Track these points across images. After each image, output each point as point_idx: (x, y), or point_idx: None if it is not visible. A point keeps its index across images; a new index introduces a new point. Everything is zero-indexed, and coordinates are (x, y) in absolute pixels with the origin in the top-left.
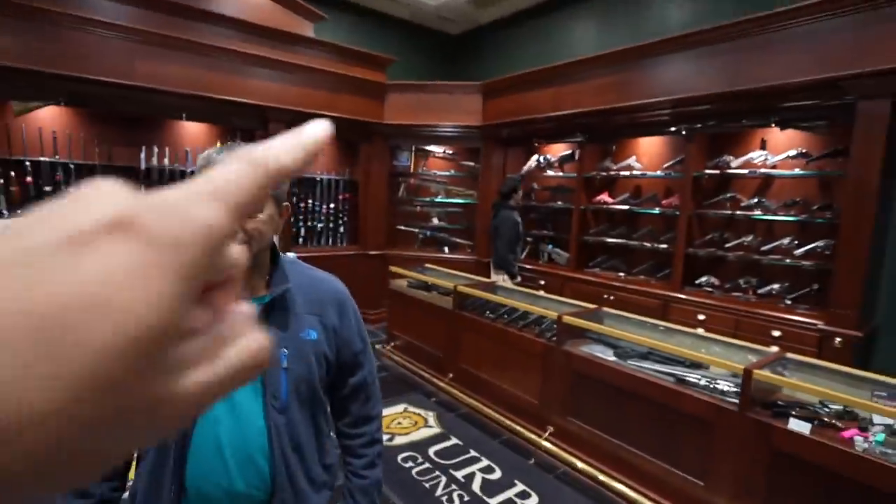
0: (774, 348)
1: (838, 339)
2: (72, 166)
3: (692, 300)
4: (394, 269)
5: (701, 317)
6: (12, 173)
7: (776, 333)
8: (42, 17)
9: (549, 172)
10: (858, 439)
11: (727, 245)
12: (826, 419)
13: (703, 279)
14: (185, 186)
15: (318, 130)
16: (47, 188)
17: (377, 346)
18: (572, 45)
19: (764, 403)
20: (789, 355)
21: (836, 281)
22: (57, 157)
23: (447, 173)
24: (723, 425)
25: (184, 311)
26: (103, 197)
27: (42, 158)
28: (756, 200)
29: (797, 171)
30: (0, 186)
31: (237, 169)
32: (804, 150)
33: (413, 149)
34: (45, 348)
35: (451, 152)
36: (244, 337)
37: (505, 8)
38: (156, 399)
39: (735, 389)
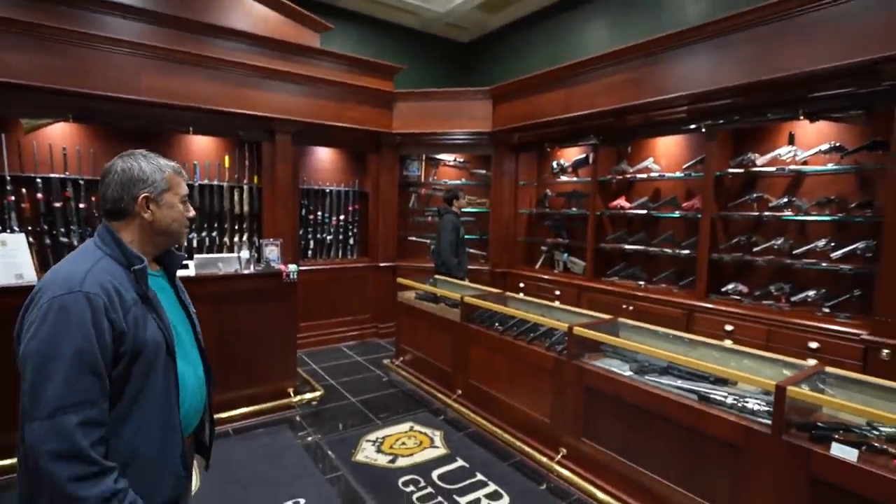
0: (812, 361)
1: (885, 351)
2: (81, 182)
3: (718, 309)
4: (401, 280)
5: (728, 327)
6: (24, 190)
7: (814, 345)
8: (49, 34)
9: (563, 178)
10: None
11: (755, 249)
12: (875, 443)
13: (730, 286)
14: None
15: None
16: (57, 204)
17: (385, 361)
18: (585, 46)
19: (801, 425)
20: (829, 369)
21: (880, 285)
22: (67, 173)
23: (458, 182)
24: (754, 450)
25: None
26: None
27: (52, 175)
28: (786, 200)
29: (831, 166)
30: (11, 203)
31: None
32: (837, 144)
33: (423, 158)
34: None
35: (462, 160)
36: None
37: (514, 12)
38: None
39: (767, 409)
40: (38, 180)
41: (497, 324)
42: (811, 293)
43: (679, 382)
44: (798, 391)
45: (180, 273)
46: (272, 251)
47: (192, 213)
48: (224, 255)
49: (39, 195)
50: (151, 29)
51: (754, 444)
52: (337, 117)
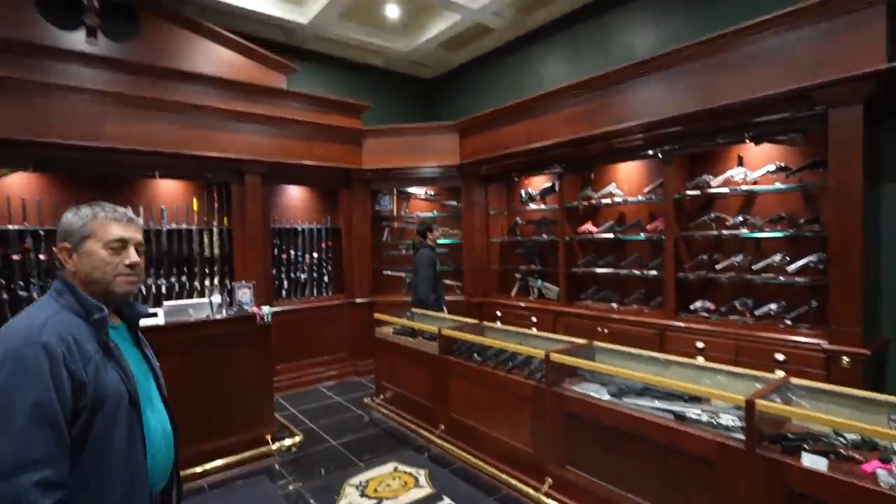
0: (780, 373)
1: (845, 359)
2: (42, 232)
3: (689, 327)
4: (378, 315)
5: (700, 344)
6: None
7: (780, 357)
8: (7, 85)
9: (532, 206)
10: (881, 473)
11: (718, 266)
12: (843, 451)
13: (698, 304)
14: None
15: None
16: (15, 256)
17: (365, 400)
18: (544, 79)
19: (772, 437)
20: (794, 381)
21: (832, 296)
22: (25, 223)
23: (431, 214)
24: (729, 465)
25: None
26: None
27: (10, 227)
28: (741, 218)
29: (778, 185)
30: None
31: None
32: (782, 164)
33: (394, 192)
34: None
35: (432, 193)
36: None
37: (475, 49)
38: None
39: (740, 424)
40: None
41: (476, 354)
42: (773, 306)
43: (656, 403)
44: (767, 404)
45: (148, 322)
46: (245, 294)
47: (130, 259)
48: (195, 300)
49: None
50: (114, 76)
51: (729, 458)
52: (306, 156)
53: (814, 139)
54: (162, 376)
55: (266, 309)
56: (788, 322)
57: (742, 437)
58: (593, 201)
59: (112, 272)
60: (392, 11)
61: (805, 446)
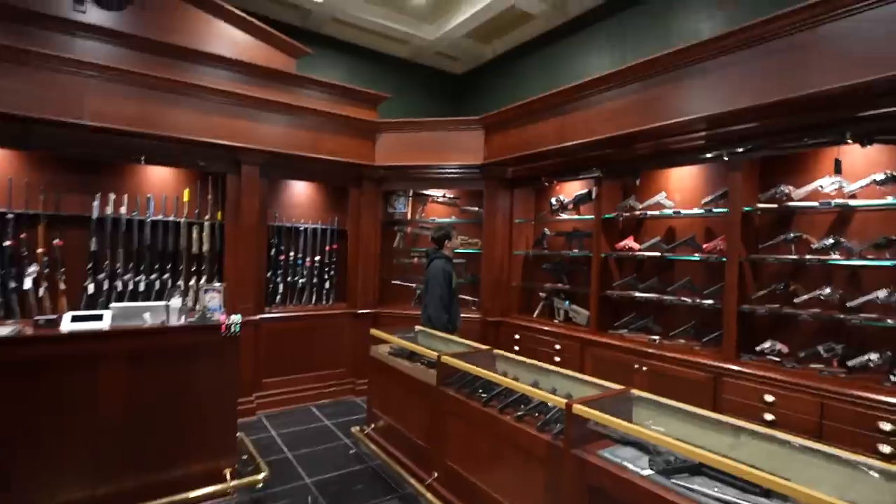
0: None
1: None
2: (10, 216)
3: (753, 374)
4: (374, 332)
5: (769, 398)
6: None
7: (886, 427)
8: None
9: (563, 215)
10: None
11: (797, 300)
12: None
13: (766, 345)
14: None
15: None
16: None
17: (353, 429)
18: (587, 73)
19: None
20: None
21: None
22: None
23: (449, 220)
24: None
25: None
26: None
27: None
28: (832, 241)
29: (890, 199)
30: None
31: None
32: (894, 173)
33: (410, 193)
34: None
35: (452, 196)
36: None
37: (510, 41)
38: None
39: None
40: None
41: (481, 390)
42: (873, 356)
43: (717, 490)
44: None
45: (90, 326)
46: (213, 298)
47: None
48: (153, 303)
49: None
50: (102, 48)
51: None
52: (312, 148)
53: None
54: None
55: (235, 318)
56: (895, 378)
57: None
58: (637, 213)
59: None
60: None
61: None
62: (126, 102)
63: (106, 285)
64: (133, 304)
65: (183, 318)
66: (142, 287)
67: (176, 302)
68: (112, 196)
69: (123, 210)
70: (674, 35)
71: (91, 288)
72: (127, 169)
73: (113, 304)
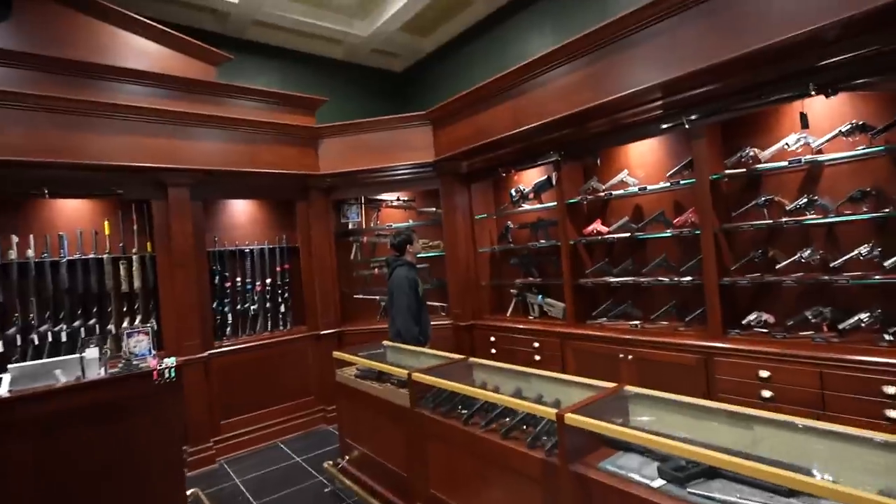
0: None
1: None
2: None
3: (744, 350)
4: (337, 354)
5: (764, 373)
6: None
7: (891, 390)
8: None
9: (525, 206)
10: None
11: (778, 266)
12: None
13: (752, 317)
14: None
15: None
16: None
17: (326, 465)
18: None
19: None
20: None
21: None
22: None
23: (407, 224)
24: None
25: None
26: None
27: None
28: (805, 200)
29: (860, 150)
30: None
31: None
32: (861, 122)
33: (362, 200)
34: None
35: (406, 199)
36: None
37: (447, 31)
38: None
39: None
40: None
41: (461, 406)
42: (864, 316)
43: (739, 496)
44: None
45: None
46: (139, 342)
47: None
48: (64, 357)
49: None
50: None
51: None
52: (249, 162)
53: None
54: None
55: (169, 361)
56: (890, 338)
57: None
58: (601, 194)
59: None
60: None
61: None
62: (16, 128)
63: (19, 340)
64: (38, 362)
65: (103, 370)
66: (63, 337)
67: (92, 352)
68: (14, 238)
69: (31, 252)
70: (619, 5)
71: None
72: (30, 205)
73: (11, 366)
